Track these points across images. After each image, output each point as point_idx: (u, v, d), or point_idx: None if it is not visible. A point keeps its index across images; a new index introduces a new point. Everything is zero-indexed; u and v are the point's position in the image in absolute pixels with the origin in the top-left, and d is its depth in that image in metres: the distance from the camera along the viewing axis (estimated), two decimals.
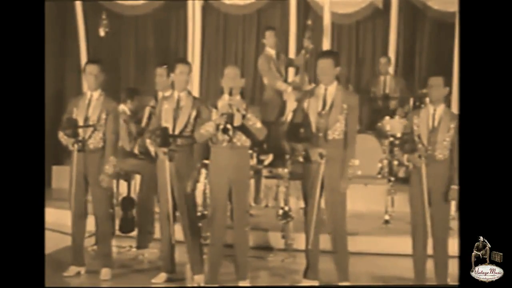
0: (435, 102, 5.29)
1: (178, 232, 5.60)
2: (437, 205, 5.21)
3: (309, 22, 8.31)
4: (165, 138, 5.36)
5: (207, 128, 5.22)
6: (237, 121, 5.10)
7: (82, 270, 5.80)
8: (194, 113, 5.49)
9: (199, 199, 6.50)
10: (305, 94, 5.59)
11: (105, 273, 5.72)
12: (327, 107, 5.31)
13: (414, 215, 5.31)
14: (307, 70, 8.29)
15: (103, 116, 5.67)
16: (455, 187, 5.07)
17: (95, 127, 5.64)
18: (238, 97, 5.28)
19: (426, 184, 5.17)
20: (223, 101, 5.25)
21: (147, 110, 6.41)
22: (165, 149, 5.37)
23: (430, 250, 5.31)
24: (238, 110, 5.11)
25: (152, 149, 5.54)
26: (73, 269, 5.76)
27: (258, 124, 5.22)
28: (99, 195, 5.73)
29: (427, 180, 5.17)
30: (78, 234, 5.78)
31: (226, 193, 5.32)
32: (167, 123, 5.48)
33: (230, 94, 5.22)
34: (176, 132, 5.45)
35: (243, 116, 5.13)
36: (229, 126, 5.09)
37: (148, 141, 5.56)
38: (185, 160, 5.46)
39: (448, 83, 5.38)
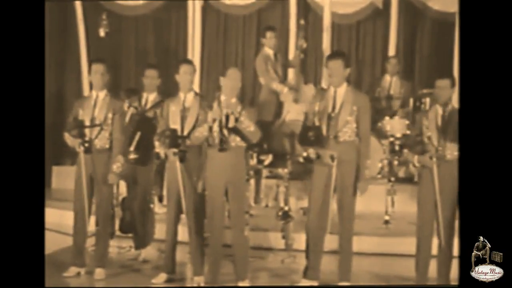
0: (443, 103, 5.29)
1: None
2: (445, 205, 5.20)
3: (302, 22, 8.31)
4: (174, 139, 5.37)
5: (201, 131, 5.24)
6: (231, 124, 5.12)
7: (83, 270, 5.80)
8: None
9: None
10: (317, 95, 5.59)
11: (99, 273, 5.73)
12: (337, 109, 5.32)
13: (422, 215, 5.31)
14: (302, 71, 8.28)
15: (110, 115, 5.68)
16: None
17: (101, 127, 5.64)
18: (233, 100, 5.29)
19: (438, 184, 5.18)
20: (217, 104, 5.25)
21: (129, 111, 6.38)
22: (175, 150, 5.37)
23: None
24: (232, 113, 5.13)
25: (161, 151, 5.52)
26: (73, 270, 5.76)
27: (252, 127, 5.23)
28: (104, 196, 5.75)
29: (437, 181, 5.17)
30: (80, 235, 5.78)
31: (223, 194, 5.33)
32: (174, 124, 5.48)
33: (227, 95, 5.23)
34: (185, 133, 5.46)
35: (236, 119, 5.14)
36: (224, 137, 5.12)
37: (157, 143, 5.55)
38: (194, 160, 5.46)
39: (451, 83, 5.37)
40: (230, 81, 5.30)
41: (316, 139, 5.24)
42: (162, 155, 5.53)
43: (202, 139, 5.29)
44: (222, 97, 5.28)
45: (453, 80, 5.35)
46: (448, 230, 5.23)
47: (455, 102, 6.12)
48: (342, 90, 5.36)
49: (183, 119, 5.51)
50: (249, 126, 5.20)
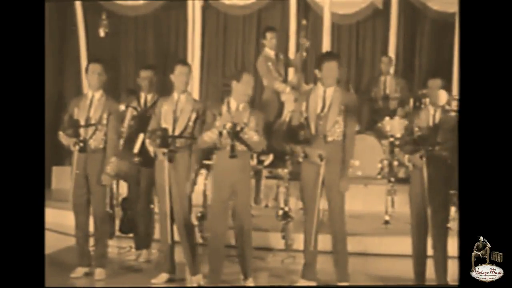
0: (435, 103, 5.30)
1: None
2: (436, 205, 5.20)
3: (304, 22, 8.31)
4: (164, 139, 5.37)
5: (210, 135, 5.26)
6: (235, 133, 5.18)
7: (88, 270, 5.79)
8: (193, 116, 5.51)
9: (199, 200, 6.51)
10: (303, 95, 5.59)
11: (100, 273, 5.73)
12: (326, 109, 5.32)
13: (414, 215, 5.31)
14: (303, 70, 8.29)
15: (105, 116, 5.68)
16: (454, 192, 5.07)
17: (96, 127, 5.64)
18: (243, 105, 5.32)
19: (427, 184, 5.17)
20: (225, 112, 5.28)
21: (129, 112, 6.38)
22: (165, 150, 5.38)
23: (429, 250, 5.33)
24: (237, 124, 5.17)
25: (151, 149, 5.54)
26: (80, 270, 5.76)
27: (255, 138, 5.26)
28: (99, 196, 5.74)
29: (427, 181, 5.17)
30: (82, 235, 5.77)
31: (229, 195, 5.34)
32: (166, 124, 5.49)
33: (238, 99, 5.30)
34: (176, 133, 5.46)
35: (241, 129, 5.18)
36: (234, 145, 5.17)
37: (147, 141, 5.56)
38: (183, 161, 5.47)
39: (448, 83, 5.38)
40: (243, 86, 5.32)
41: (305, 138, 5.26)
42: (152, 153, 5.54)
43: (211, 143, 5.32)
44: (232, 102, 5.33)
45: (447, 80, 5.35)
46: (440, 230, 5.23)
47: (454, 102, 6.14)
48: (331, 90, 5.37)
49: (175, 120, 5.51)
50: (252, 136, 5.24)
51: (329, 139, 5.30)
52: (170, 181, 5.45)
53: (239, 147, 5.24)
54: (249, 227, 5.42)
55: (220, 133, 5.20)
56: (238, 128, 5.17)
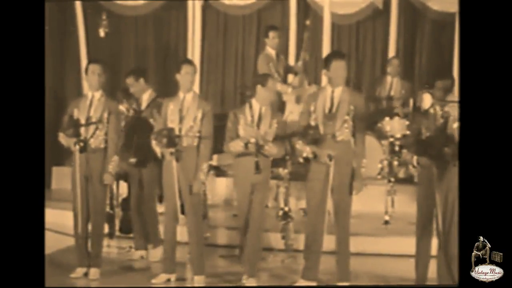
0: (442, 103, 5.29)
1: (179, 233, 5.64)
2: (444, 205, 5.19)
3: (308, 22, 8.30)
4: (171, 138, 5.38)
5: (236, 146, 5.39)
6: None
7: (88, 271, 5.78)
8: (199, 115, 5.53)
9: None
10: (312, 95, 5.62)
11: (94, 273, 5.73)
12: (334, 109, 5.33)
13: (421, 215, 5.31)
14: (306, 72, 8.28)
15: (105, 115, 5.69)
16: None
17: (97, 125, 5.65)
18: (264, 108, 5.46)
19: (437, 185, 5.17)
20: (249, 122, 5.42)
21: (130, 112, 6.38)
22: (172, 150, 5.38)
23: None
24: (256, 142, 5.34)
25: (158, 150, 5.53)
26: (79, 270, 5.76)
27: (273, 151, 5.41)
28: (98, 196, 5.74)
29: (436, 181, 5.17)
30: (81, 235, 5.76)
31: (251, 193, 5.43)
32: (172, 124, 5.51)
33: (261, 103, 5.45)
34: (182, 133, 5.48)
35: (262, 146, 5.33)
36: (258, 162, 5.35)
37: (154, 142, 5.56)
38: (190, 160, 5.48)
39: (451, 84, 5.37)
40: (268, 91, 5.46)
41: (314, 138, 5.28)
42: (159, 154, 5.55)
43: (236, 153, 5.44)
44: (255, 104, 5.45)
45: (453, 81, 5.35)
46: (448, 230, 5.22)
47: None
48: (339, 89, 5.37)
49: (181, 119, 5.52)
50: (271, 151, 5.38)
51: (339, 138, 5.32)
52: (179, 181, 5.46)
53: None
54: (263, 227, 5.54)
55: (246, 145, 5.33)
56: (259, 143, 5.34)
